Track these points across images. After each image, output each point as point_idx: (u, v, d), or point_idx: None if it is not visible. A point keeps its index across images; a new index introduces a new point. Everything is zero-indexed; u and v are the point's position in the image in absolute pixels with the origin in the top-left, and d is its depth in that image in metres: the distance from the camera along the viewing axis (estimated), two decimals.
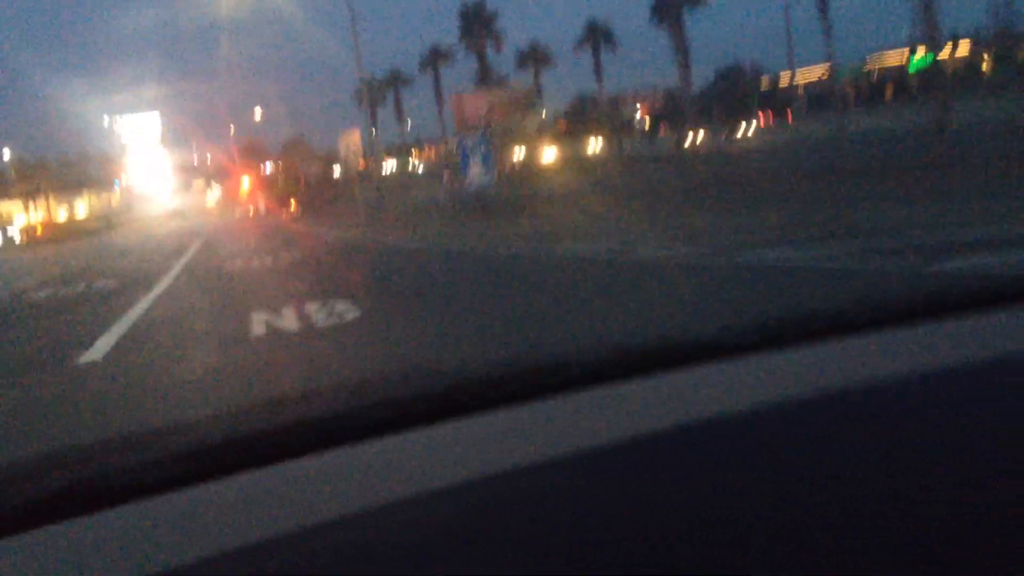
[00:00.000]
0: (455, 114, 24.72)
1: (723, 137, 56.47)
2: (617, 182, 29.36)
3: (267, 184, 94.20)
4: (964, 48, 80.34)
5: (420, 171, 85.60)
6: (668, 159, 41.01)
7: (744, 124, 67.07)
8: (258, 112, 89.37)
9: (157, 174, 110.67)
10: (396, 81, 78.55)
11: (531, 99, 24.88)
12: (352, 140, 33.50)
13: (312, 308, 10.44)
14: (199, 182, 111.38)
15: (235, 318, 10.84)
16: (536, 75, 71.24)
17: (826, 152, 26.79)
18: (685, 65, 52.13)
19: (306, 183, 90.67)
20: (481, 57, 58.65)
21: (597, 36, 64.32)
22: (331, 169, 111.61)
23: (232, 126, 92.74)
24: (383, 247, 21.90)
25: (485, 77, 61.03)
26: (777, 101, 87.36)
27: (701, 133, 49.77)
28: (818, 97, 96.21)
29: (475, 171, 24.66)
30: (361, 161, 43.16)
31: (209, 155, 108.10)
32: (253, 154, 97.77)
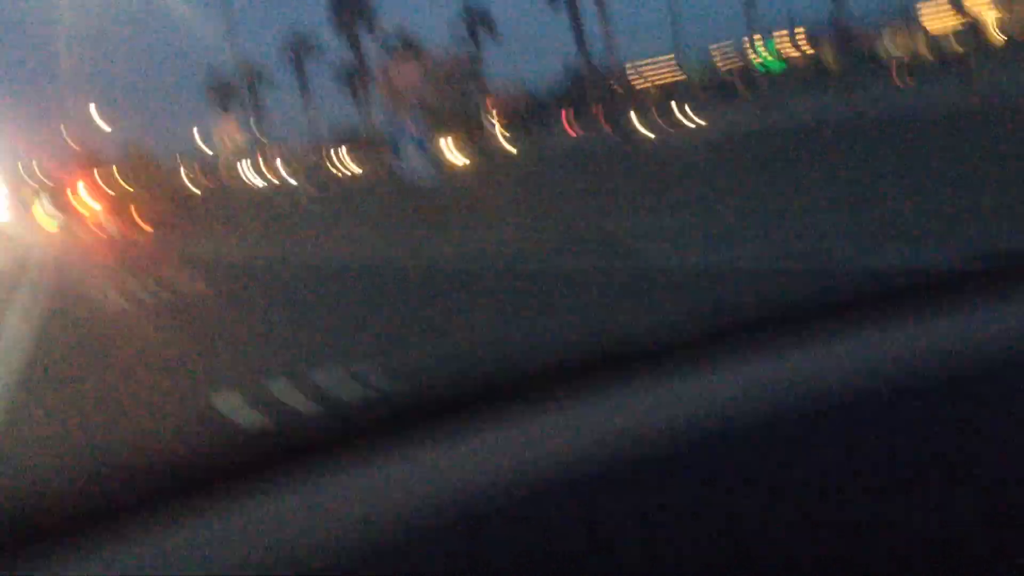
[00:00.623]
0: (383, 87, 19.57)
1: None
2: (563, 174, 24.75)
3: (109, 194, 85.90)
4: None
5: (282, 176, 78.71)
6: (603, 152, 36.60)
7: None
8: (93, 112, 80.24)
9: None
10: (250, 75, 71.57)
11: (475, 68, 19.90)
12: (230, 131, 27.56)
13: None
14: (27, 194, 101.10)
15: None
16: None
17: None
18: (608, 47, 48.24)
19: (156, 190, 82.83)
20: (354, 43, 52.99)
21: (475, 22, 59.61)
22: (179, 175, 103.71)
23: (65, 131, 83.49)
24: (349, 266, 16.60)
25: (360, 68, 55.61)
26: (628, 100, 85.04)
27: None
28: (667, 94, 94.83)
29: (413, 161, 19.52)
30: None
31: (46, 170, 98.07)
32: (94, 167, 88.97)
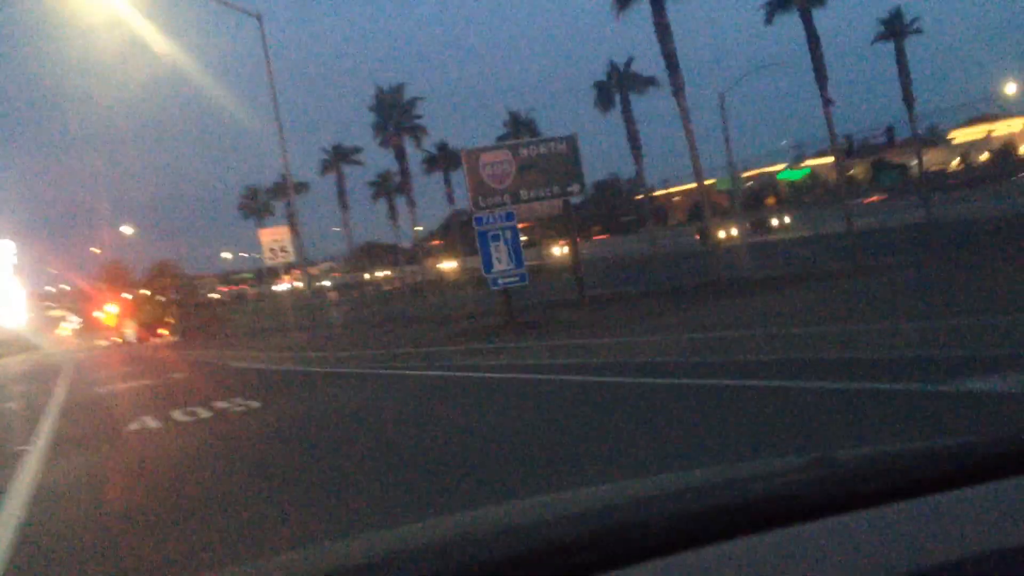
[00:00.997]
0: (468, 179, 16.89)
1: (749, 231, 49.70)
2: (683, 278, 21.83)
3: (138, 309, 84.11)
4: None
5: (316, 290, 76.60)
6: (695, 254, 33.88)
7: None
8: (127, 230, 79.15)
9: (9, 305, 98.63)
10: (285, 188, 69.95)
11: (574, 156, 17.19)
12: (279, 238, 25.00)
13: None
14: (57, 312, 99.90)
15: None
16: (447, 180, 64.37)
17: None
18: (638, 150, 45.94)
19: (187, 305, 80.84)
20: (399, 153, 50.95)
21: (519, 130, 57.79)
22: (209, 286, 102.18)
23: (97, 249, 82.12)
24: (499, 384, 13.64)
25: (404, 177, 53.60)
26: (653, 211, 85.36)
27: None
28: (698, 206, 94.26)
29: (501, 263, 16.70)
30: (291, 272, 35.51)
31: (71, 283, 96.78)
32: (119, 278, 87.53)
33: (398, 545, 1.41)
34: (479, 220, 16.83)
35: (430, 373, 13.92)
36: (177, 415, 13.11)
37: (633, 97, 48.31)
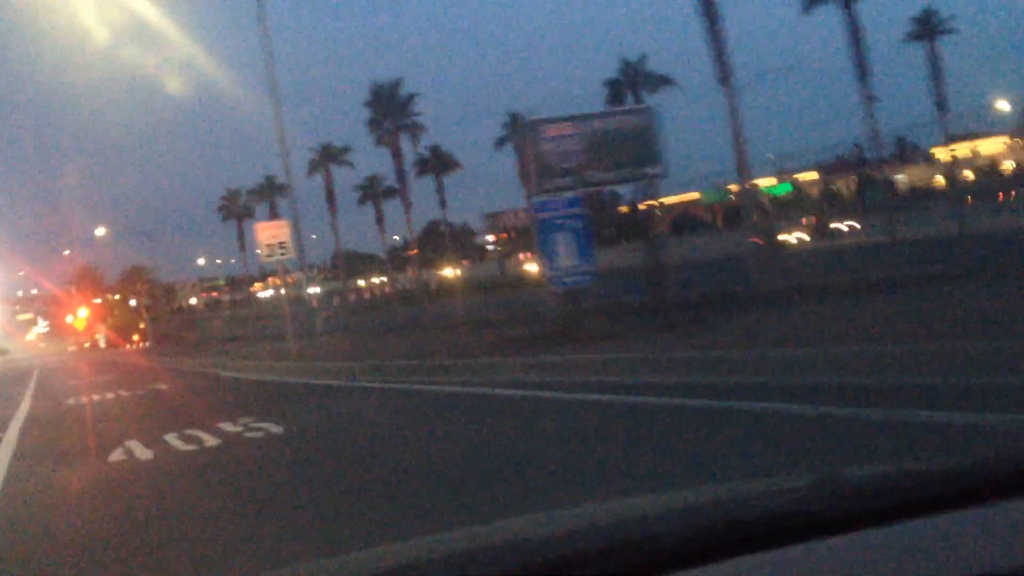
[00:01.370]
0: (527, 157, 14.02)
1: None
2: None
3: (109, 315, 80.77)
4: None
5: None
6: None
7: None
8: (100, 232, 75.32)
9: None
10: (271, 189, 66.86)
11: (653, 131, 14.25)
12: (277, 233, 21.91)
13: None
14: (26, 315, 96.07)
15: None
16: (439, 185, 61.58)
17: None
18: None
19: (160, 310, 77.56)
20: (395, 152, 47.75)
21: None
22: (185, 292, 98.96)
23: (68, 252, 78.34)
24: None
25: (400, 178, 50.52)
26: (637, 224, 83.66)
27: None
28: (680, 219, 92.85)
29: (565, 257, 13.73)
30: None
31: (40, 286, 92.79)
32: (91, 283, 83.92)
33: (412, 556, 1.41)
34: (539, 206, 13.85)
35: (499, 392, 10.92)
36: (173, 441, 10.06)
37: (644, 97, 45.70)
